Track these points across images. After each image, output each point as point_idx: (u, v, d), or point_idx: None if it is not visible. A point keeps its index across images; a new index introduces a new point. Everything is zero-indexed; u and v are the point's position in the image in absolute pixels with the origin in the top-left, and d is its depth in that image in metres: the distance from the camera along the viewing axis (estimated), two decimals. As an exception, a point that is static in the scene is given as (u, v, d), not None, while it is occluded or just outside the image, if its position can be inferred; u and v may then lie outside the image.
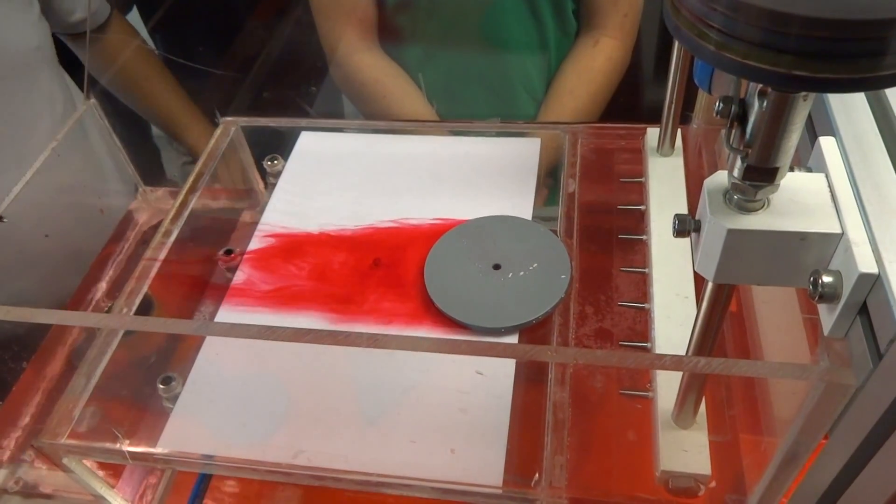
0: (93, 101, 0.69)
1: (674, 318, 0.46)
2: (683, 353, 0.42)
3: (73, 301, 0.69)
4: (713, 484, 0.39)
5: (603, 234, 0.54)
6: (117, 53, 0.85)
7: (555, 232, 0.54)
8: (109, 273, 0.72)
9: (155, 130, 0.96)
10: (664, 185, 0.54)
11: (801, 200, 0.29)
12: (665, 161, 0.55)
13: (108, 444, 0.47)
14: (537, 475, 0.42)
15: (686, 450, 0.40)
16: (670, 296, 0.47)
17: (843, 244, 0.27)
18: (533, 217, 0.56)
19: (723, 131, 0.39)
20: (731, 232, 0.28)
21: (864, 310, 0.27)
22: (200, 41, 0.78)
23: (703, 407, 0.41)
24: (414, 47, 0.79)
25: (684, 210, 0.52)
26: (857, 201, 0.28)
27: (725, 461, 0.40)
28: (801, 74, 0.20)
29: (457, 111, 0.81)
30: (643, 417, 0.44)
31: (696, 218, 0.31)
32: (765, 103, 0.24)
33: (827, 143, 0.31)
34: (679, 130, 0.56)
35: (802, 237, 0.28)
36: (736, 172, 0.27)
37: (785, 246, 0.28)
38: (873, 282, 0.26)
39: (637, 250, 0.53)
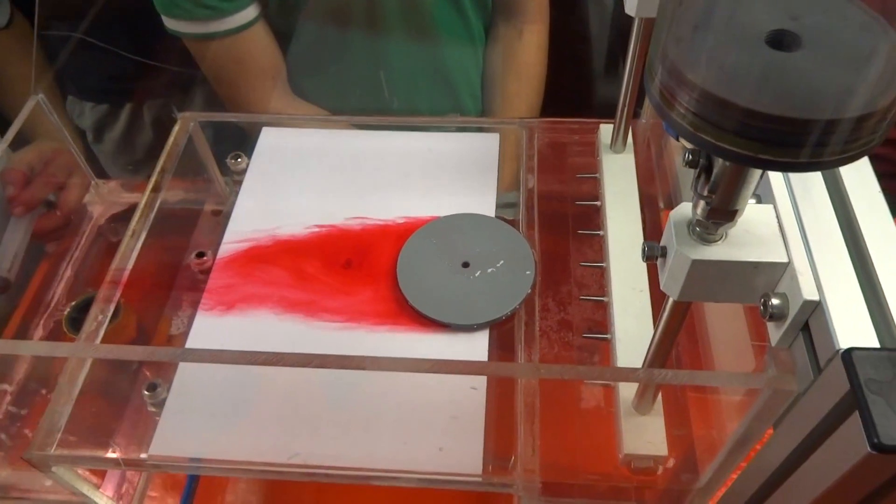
0: (41, 95, 0.67)
1: (630, 311, 0.50)
2: (640, 343, 0.47)
3: (33, 302, 0.69)
4: (670, 463, 0.44)
5: (562, 228, 0.58)
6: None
7: (515, 224, 0.57)
8: (67, 270, 0.71)
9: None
10: (618, 181, 0.57)
11: (753, 231, 0.33)
12: (618, 157, 0.59)
13: (98, 453, 0.49)
14: (513, 460, 0.46)
15: (646, 434, 0.45)
16: (627, 289, 0.52)
17: (789, 272, 0.32)
18: (496, 208, 0.59)
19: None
20: (694, 262, 0.32)
21: (806, 327, 0.32)
22: (155, 36, 0.77)
23: (660, 396, 0.46)
24: (339, 45, 0.79)
25: (637, 206, 0.56)
26: (801, 232, 0.33)
27: (680, 444, 0.45)
28: (766, 158, 0.23)
29: (401, 107, 0.83)
30: (607, 403, 0.48)
31: (662, 244, 0.35)
32: (728, 162, 0.28)
33: (774, 176, 0.35)
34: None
35: (755, 266, 0.32)
36: (700, 212, 0.31)
37: (740, 272, 0.32)
38: (815, 307, 0.30)
39: (595, 244, 0.57)
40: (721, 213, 0.30)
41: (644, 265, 0.52)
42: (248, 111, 0.78)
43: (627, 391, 0.46)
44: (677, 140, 0.31)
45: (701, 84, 0.23)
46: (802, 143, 0.23)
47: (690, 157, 0.29)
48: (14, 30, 0.88)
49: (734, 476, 0.40)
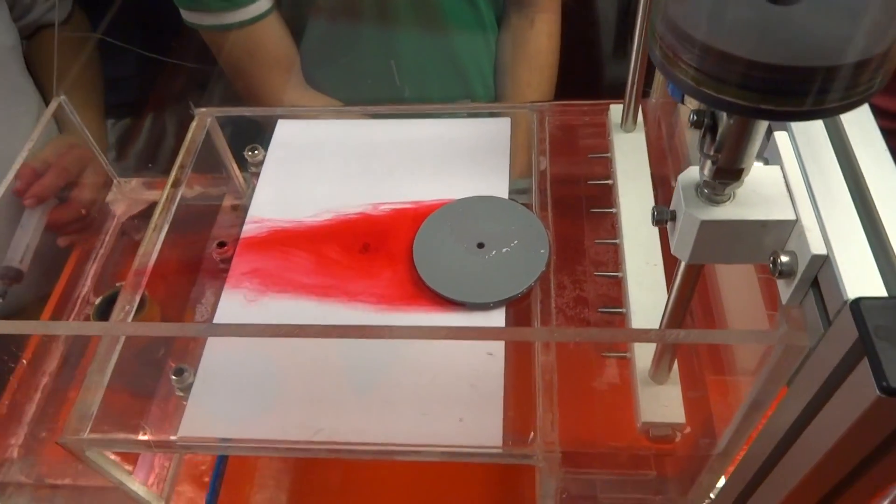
0: (63, 96, 0.69)
1: (645, 285, 0.51)
2: (655, 316, 0.47)
3: (62, 298, 0.71)
4: (688, 430, 0.45)
5: (575, 208, 0.59)
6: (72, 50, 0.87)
7: (529, 207, 0.58)
8: (93, 267, 0.73)
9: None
10: (629, 159, 0.58)
11: (761, 191, 0.33)
12: (628, 137, 0.60)
13: (130, 436, 0.50)
14: (532, 433, 0.47)
15: (663, 402, 0.45)
16: (640, 264, 0.52)
17: (797, 229, 0.32)
18: (509, 194, 0.60)
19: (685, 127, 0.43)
20: (703, 223, 0.33)
21: (815, 283, 0.32)
22: (172, 32, 0.79)
23: (675, 364, 0.46)
24: (351, 37, 0.81)
25: (648, 183, 0.57)
26: (808, 190, 0.33)
27: (697, 410, 0.46)
28: (769, 108, 0.24)
29: (413, 96, 0.84)
30: (623, 375, 0.49)
31: (671, 208, 0.35)
32: (732, 119, 0.29)
33: (781, 138, 0.35)
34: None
35: (763, 224, 0.33)
36: (707, 172, 0.32)
37: (749, 231, 0.33)
38: (823, 261, 0.31)
39: (608, 221, 0.57)
40: (727, 172, 0.31)
41: (657, 240, 0.53)
42: (264, 102, 0.79)
43: (643, 361, 0.47)
44: (681, 102, 0.32)
45: (702, 39, 0.24)
46: (803, 92, 0.23)
47: (695, 117, 0.30)
48: (73, 25, 0.90)
49: (751, 439, 0.40)
